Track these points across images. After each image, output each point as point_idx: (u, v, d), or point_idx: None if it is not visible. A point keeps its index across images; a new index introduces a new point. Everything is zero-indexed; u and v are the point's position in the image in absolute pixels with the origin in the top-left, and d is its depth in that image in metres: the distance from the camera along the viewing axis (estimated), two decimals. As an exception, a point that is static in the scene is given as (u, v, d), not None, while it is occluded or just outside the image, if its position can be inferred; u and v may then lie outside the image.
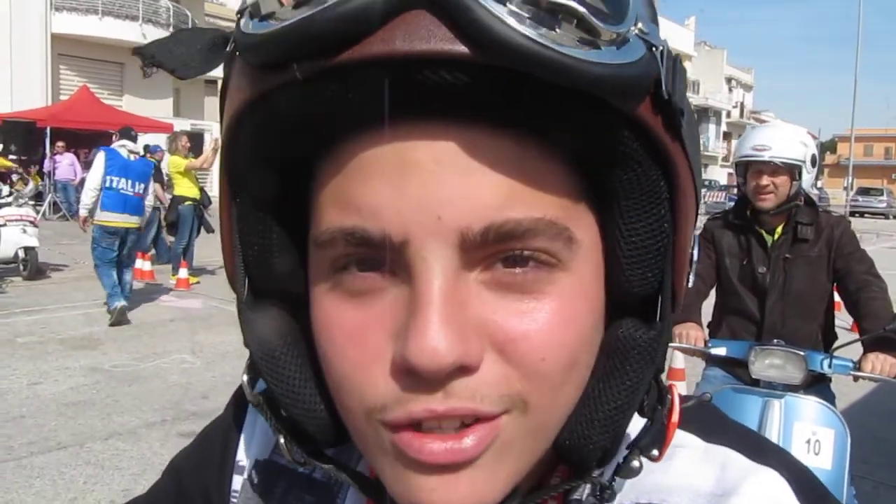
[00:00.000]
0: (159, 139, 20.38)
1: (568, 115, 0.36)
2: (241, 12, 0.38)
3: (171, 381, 5.79)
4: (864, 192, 41.16)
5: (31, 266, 9.79)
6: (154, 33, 23.49)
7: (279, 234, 0.44)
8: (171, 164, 9.75)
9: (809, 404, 2.49)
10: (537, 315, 0.38)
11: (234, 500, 0.59)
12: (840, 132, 77.53)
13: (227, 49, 0.41)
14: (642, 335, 0.42)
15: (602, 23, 0.33)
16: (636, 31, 0.35)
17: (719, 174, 52.61)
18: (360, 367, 0.39)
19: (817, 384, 2.70)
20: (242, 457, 0.60)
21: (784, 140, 2.70)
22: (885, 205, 39.01)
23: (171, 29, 24.15)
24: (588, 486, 0.44)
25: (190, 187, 9.77)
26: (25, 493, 3.79)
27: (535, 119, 0.36)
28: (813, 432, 2.43)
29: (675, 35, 49.08)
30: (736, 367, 2.75)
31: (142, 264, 10.51)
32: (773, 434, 2.42)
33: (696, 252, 0.46)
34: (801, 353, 2.48)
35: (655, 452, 0.45)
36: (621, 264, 0.42)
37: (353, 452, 0.51)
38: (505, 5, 0.32)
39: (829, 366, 2.51)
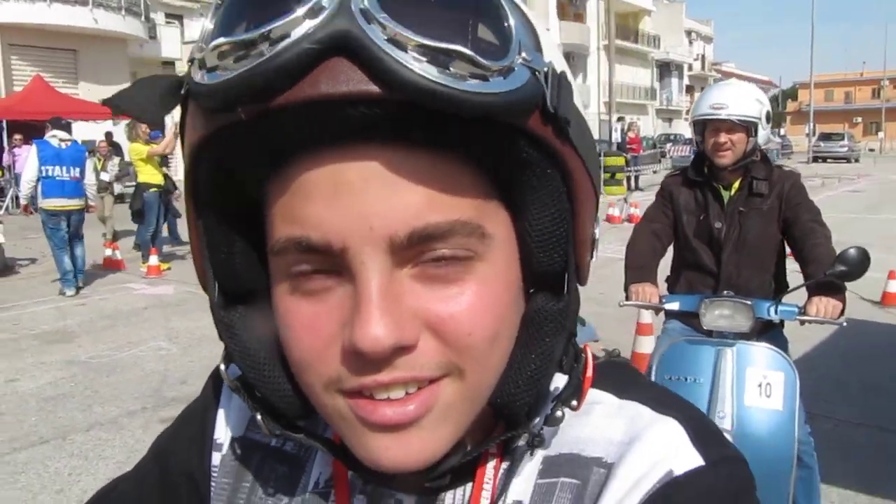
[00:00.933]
0: (118, 126, 20.21)
1: (470, 134, 0.44)
2: (191, 61, 0.45)
3: (149, 369, 5.84)
4: (826, 137, 41.72)
5: (-2, 262, 9.71)
6: (105, 18, 23.06)
7: (241, 245, 0.52)
8: (133, 151, 9.64)
9: (760, 350, 2.61)
10: (461, 299, 0.46)
11: (214, 475, 0.66)
12: (801, 79, 78.25)
13: (182, 92, 0.48)
14: (553, 306, 0.51)
15: (488, 59, 0.41)
16: (520, 60, 0.42)
17: (683, 128, 52.86)
18: (316, 351, 0.47)
19: (770, 331, 2.82)
20: (220, 435, 0.67)
21: (740, 98, 2.79)
22: (846, 149, 39.56)
23: (122, 13, 23.70)
24: (524, 435, 0.53)
25: (153, 174, 9.69)
26: (11, 489, 3.85)
27: (443, 139, 0.44)
28: (764, 376, 2.56)
29: (634, -9, 49.02)
30: (693, 319, 2.86)
31: (112, 253, 10.50)
32: (726, 380, 2.54)
33: (597, 232, 0.54)
34: (748, 303, 2.60)
35: (574, 403, 0.53)
36: (532, 249, 0.50)
37: (318, 424, 0.59)
38: (406, 51, 0.39)
39: (776, 312, 2.63)
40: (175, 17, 35.98)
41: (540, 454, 0.56)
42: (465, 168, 0.45)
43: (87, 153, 9.14)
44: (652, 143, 32.84)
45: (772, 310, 2.63)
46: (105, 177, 12.39)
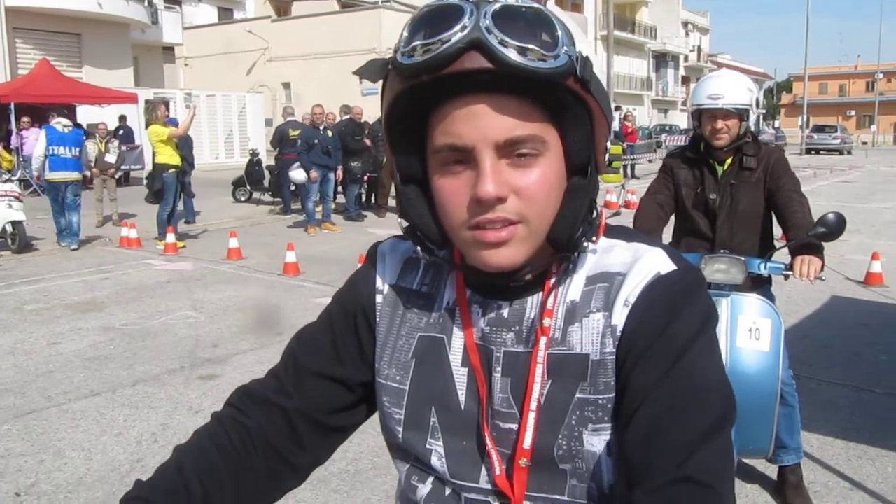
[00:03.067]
0: (124, 108, 20.49)
1: (537, 88, 0.85)
2: (395, 51, 0.86)
3: (181, 335, 6.25)
4: (819, 129, 42.10)
5: (20, 239, 10.06)
6: (109, 2, 23.25)
7: (412, 151, 0.93)
8: (153, 132, 9.98)
9: (751, 300, 3.01)
10: (531, 177, 0.85)
11: (378, 307, 1.07)
12: (795, 71, 78.39)
13: (389, 67, 0.88)
14: (581, 182, 0.91)
15: (547, 51, 0.79)
16: (564, 50, 0.80)
17: (679, 118, 53.16)
18: (457, 203, 0.88)
19: (760, 287, 3.23)
20: (380, 284, 1.08)
21: (734, 88, 3.19)
22: (839, 141, 39.99)
23: (127, -4, 23.86)
24: (571, 256, 0.94)
25: (172, 155, 10.05)
26: (74, 432, 4.26)
27: (524, 90, 0.85)
28: (753, 321, 2.96)
29: (631, -19, 49.16)
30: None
31: (127, 232, 10.85)
32: (722, 325, 2.94)
33: (608, 144, 0.94)
34: (742, 259, 3.00)
35: (594, 239, 0.94)
36: (570, 150, 0.91)
37: (449, 255, 1.00)
38: (507, 48, 0.77)
39: (765, 267, 3.04)
40: (175, 2, 36.10)
41: (584, 275, 0.96)
42: (534, 106, 0.85)
43: (84, 136, 11.39)
44: (648, 133, 33.21)
45: (762, 266, 3.03)
46: (110, 158, 12.74)
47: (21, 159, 17.21)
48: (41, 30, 22.65)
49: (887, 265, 8.18)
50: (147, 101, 13.74)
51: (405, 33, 0.84)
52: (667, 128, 39.42)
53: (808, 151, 39.21)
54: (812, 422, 4.08)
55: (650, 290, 0.90)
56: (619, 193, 15.13)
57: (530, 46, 0.79)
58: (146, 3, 25.49)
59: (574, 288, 0.95)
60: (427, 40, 0.80)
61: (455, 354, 0.99)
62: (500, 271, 0.89)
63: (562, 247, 0.92)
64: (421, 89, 0.83)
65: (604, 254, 0.97)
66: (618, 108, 25.05)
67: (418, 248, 0.97)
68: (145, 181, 11.80)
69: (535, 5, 0.83)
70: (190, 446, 1.02)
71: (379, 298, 1.07)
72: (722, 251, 3.13)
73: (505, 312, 0.96)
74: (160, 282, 8.39)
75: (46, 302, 7.47)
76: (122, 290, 7.93)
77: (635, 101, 49.83)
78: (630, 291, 0.91)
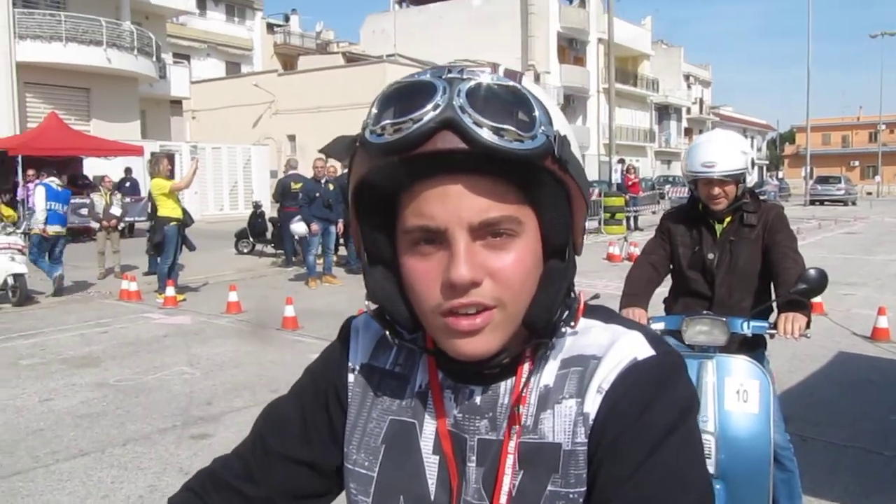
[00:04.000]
0: (131, 161, 20.68)
1: (513, 168, 0.81)
2: (364, 129, 0.82)
3: (175, 391, 6.16)
4: (823, 180, 42.25)
5: (20, 292, 10.05)
6: (118, 57, 23.68)
7: (380, 230, 0.89)
8: (155, 186, 10.04)
9: (737, 362, 2.92)
10: (507, 259, 0.82)
11: (350, 386, 1.02)
12: (798, 122, 79.15)
13: (356, 144, 0.85)
14: (559, 265, 0.88)
15: (524, 132, 0.78)
16: (541, 130, 0.78)
17: (680, 170, 53.41)
18: (428, 287, 0.84)
19: (754, 350, 3.15)
20: (353, 362, 1.04)
21: (727, 155, 3.15)
22: (842, 192, 40.05)
23: (135, 53, 24.34)
24: (547, 344, 0.90)
25: (174, 208, 10.09)
26: (59, 494, 4.15)
27: (499, 171, 0.81)
28: (741, 383, 2.87)
29: (633, 36, 49.91)
30: (679, 337, 3.20)
31: (128, 285, 10.83)
32: (708, 388, 2.85)
33: (585, 224, 0.92)
34: (723, 320, 2.93)
35: (573, 324, 0.90)
36: (547, 231, 0.87)
37: (419, 340, 0.95)
38: (482, 128, 0.76)
39: (748, 327, 2.96)
40: (183, 56, 36.81)
41: (559, 359, 0.92)
42: (510, 186, 0.82)
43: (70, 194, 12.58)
44: (651, 185, 33.36)
45: (745, 325, 2.96)
46: (115, 210, 12.82)
47: (27, 211, 17.31)
48: (51, 84, 23.03)
49: (894, 320, 8.07)
50: (152, 154, 13.86)
51: (374, 110, 0.81)
52: (670, 179, 39.58)
53: (812, 202, 39.31)
54: (817, 486, 3.96)
55: (625, 377, 0.86)
56: (621, 246, 15.10)
57: (506, 127, 0.76)
58: (154, 59, 25.92)
59: (548, 371, 0.91)
60: (397, 119, 0.77)
61: (426, 441, 0.94)
62: (473, 360, 0.85)
63: (538, 332, 0.88)
64: (391, 168, 0.80)
65: (580, 335, 0.92)
66: (621, 161, 25.21)
67: (387, 332, 0.93)
68: (147, 233, 11.83)
69: (511, 83, 0.80)
70: None
71: (351, 378, 1.02)
72: (705, 311, 3.06)
73: (478, 399, 0.92)
74: (157, 336, 8.32)
75: (42, 356, 7.40)
76: (118, 345, 7.87)
77: (638, 153, 50.22)
78: (604, 377, 0.87)
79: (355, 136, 0.85)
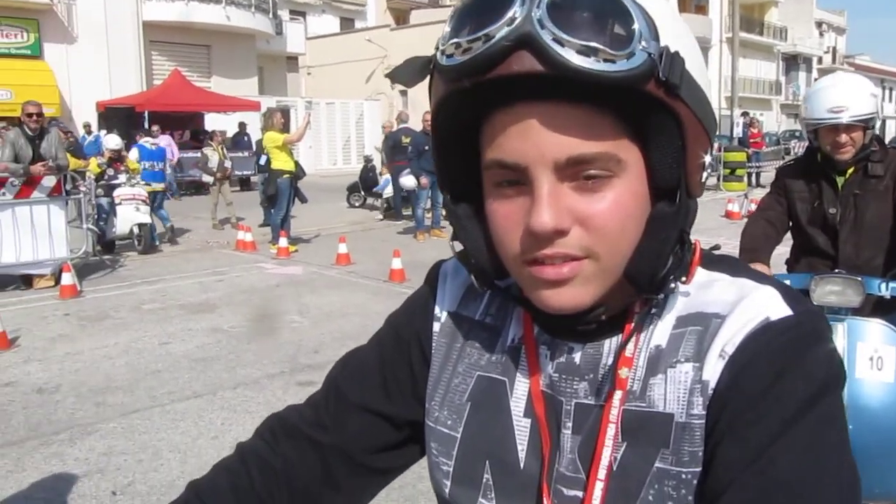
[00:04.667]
0: (248, 116, 21.30)
1: (608, 94, 0.67)
2: (437, 49, 0.71)
3: (284, 339, 6.31)
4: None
5: (144, 241, 10.55)
6: (237, 15, 24.29)
7: (462, 164, 0.78)
8: (268, 139, 10.25)
9: (871, 325, 2.65)
10: (600, 203, 0.69)
11: (435, 337, 0.92)
12: (943, 72, 72.98)
13: (430, 68, 0.73)
14: (668, 209, 0.73)
15: (616, 50, 0.63)
16: (640, 47, 0.63)
17: (810, 124, 50.48)
18: (510, 233, 0.72)
19: (889, 314, 2.86)
20: (438, 311, 0.93)
21: (857, 98, 2.82)
22: None
23: (253, 10, 24.90)
24: (654, 298, 0.76)
25: (286, 161, 10.28)
26: (173, 433, 4.33)
27: (590, 98, 0.67)
28: (875, 350, 2.60)
29: (760, -19, 47.18)
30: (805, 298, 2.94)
31: (243, 235, 11.19)
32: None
33: (707, 159, 0.75)
34: (859, 279, 2.65)
35: (684, 278, 0.75)
36: (655, 170, 0.72)
37: (511, 287, 0.83)
38: (563, 46, 0.62)
39: (887, 288, 2.67)
40: (299, 13, 37.37)
41: (674, 315, 0.77)
42: (605, 116, 0.68)
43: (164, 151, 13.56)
44: (776, 140, 31.63)
45: (883, 286, 2.67)
46: (227, 164, 13.27)
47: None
48: (174, 42, 23.90)
49: None
50: (267, 109, 14.19)
51: (447, 27, 0.69)
52: (796, 133, 37.39)
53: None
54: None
55: (754, 340, 0.71)
56: (741, 203, 14.38)
57: (594, 45, 0.62)
58: (271, 15, 26.45)
59: (660, 330, 0.77)
60: (469, 37, 0.65)
61: (517, 402, 0.83)
62: (562, 313, 0.73)
63: (643, 287, 0.74)
64: (467, 94, 0.68)
65: (701, 289, 0.77)
66: (744, 114, 23.96)
67: (473, 277, 0.81)
68: (261, 186, 12.16)
69: None
70: (205, 486, 0.90)
71: (436, 327, 0.92)
72: (837, 270, 2.79)
73: (577, 357, 0.80)
74: (270, 285, 8.56)
75: (163, 302, 7.75)
76: (233, 293, 8.14)
77: (763, 106, 47.72)
78: (728, 339, 0.72)
79: (429, 58, 0.73)
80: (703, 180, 0.75)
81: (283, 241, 10.38)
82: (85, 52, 21.02)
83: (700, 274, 0.78)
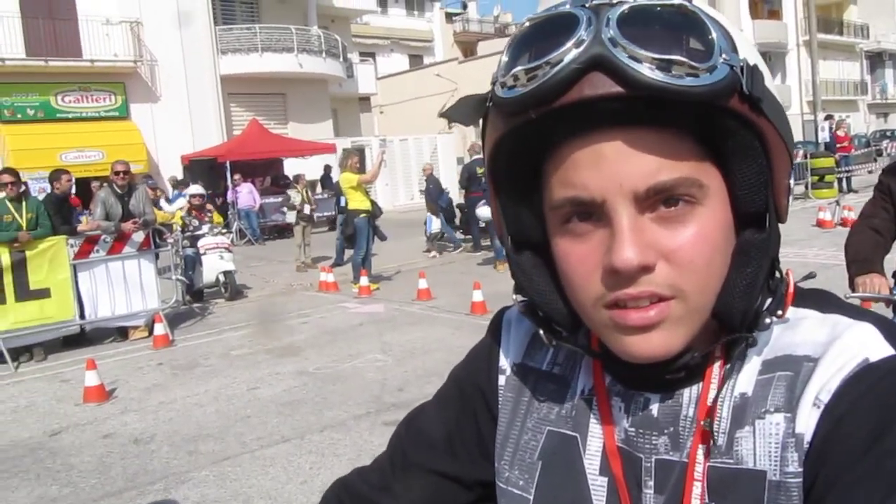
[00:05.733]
0: (325, 158, 21.78)
1: (688, 114, 0.61)
2: (493, 83, 0.65)
3: (369, 378, 6.31)
4: None
5: (231, 288, 10.82)
6: (309, 61, 24.97)
7: (524, 207, 0.72)
8: (344, 180, 10.41)
9: None
10: (686, 235, 0.63)
11: (501, 391, 0.85)
12: None
13: (487, 104, 0.68)
14: (757, 237, 0.66)
15: (698, 63, 0.57)
16: (721, 60, 0.58)
17: (901, 122, 48.38)
18: (586, 276, 0.65)
19: None
20: (503, 362, 0.86)
21: None
22: None
23: (324, 55, 25.57)
24: (743, 338, 0.67)
25: (363, 200, 10.41)
26: (263, 479, 4.35)
27: (667, 119, 0.61)
28: None
29: (835, -20, 45.72)
30: (926, 316, 2.72)
31: (325, 276, 11.35)
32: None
33: (791, 182, 0.68)
34: None
35: (780, 312, 0.67)
36: (738, 196, 0.65)
37: (580, 340, 0.76)
38: (641, 63, 0.57)
39: None
40: (368, 54, 38.27)
41: (759, 359, 0.69)
42: (684, 139, 0.62)
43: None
44: (866, 142, 30.34)
45: None
46: (307, 208, 13.55)
47: (235, 212, 18.76)
48: (250, 93, 24.72)
49: None
50: (344, 150, 14.47)
51: (504, 57, 0.64)
52: (888, 133, 35.83)
53: None
54: None
55: (854, 385, 0.62)
56: (833, 211, 13.77)
57: (675, 58, 0.56)
58: (342, 59, 27.10)
59: (745, 376, 0.69)
60: (531, 63, 0.60)
61: (591, 459, 0.76)
62: (650, 362, 0.66)
63: (735, 326, 0.66)
64: (530, 128, 0.63)
65: (788, 329, 0.69)
66: (829, 117, 23.07)
67: (540, 330, 0.75)
68: (339, 227, 12.34)
69: (677, 1, 0.59)
70: None
71: (501, 381, 0.86)
72: None
73: (654, 409, 0.72)
74: (353, 325, 8.62)
75: (251, 347, 7.90)
76: (318, 334, 8.22)
77: (848, 108, 45.92)
78: (823, 385, 0.64)
79: (485, 94, 0.68)
80: (788, 203, 0.68)
81: (364, 280, 10.47)
82: (169, 109, 21.98)
83: (787, 310, 0.70)
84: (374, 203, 10.84)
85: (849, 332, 0.66)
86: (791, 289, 0.69)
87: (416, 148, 27.27)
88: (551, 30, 0.61)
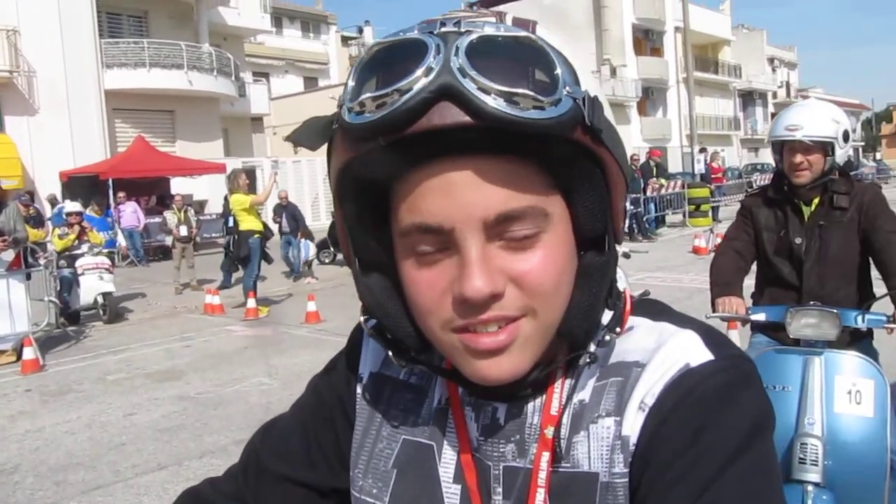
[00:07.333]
0: (215, 178, 21.25)
1: (534, 146, 0.64)
2: (340, 107, 0.66)
3: (253, 403, 6.17)
4: (925, 159, 39.99)
5: (110, 310, 10.36)
6: (199, 79, 24.39)
7: (373, 230, 0.72)
8: (235, 202, 10.15)
9: (848, 358, 2.62)
10: (533, 260, 0.66)
11: (358, 399, 0.87)
12: (895, 100, 75.16)
13: (333, 127, 0.68)
14: (598, 260, 0.70)
15: (544, 96, 0.60)
16: (566, 93, 0.61)
17: (770, 157, 51.44)
18: (435, 301, 0.67)
19: (859, 341, 2.85)
20: (362, 370, 0.88)
21: (815, 119, 2.85)
22: (948, 170, 37.82)
23: (215, 73, 25.03)
24: (584, 354, 0.72)
25: (255, 222, 10.20)
26: (137, 509, 4.17)
27: (515, 150, 0.64)
28: (853, 383, 2.57)
29: (712, 22, 48.47)
30: (778, 332, 2.91)
31: (211, 299, 11.04)
32: (815, 387, 2.57)
33: (627, 205, 0.73)
34: (835, 311, 2.62)
35: (618, 329, 0.73)
36: (580, 220, 0.69)
37: (433, 358, 0.78)
38: (489, 94, 0.59)
39: (863, 320, 2.65)
40: (262, 74, 37.72)
41: (596, 366, 0.74)
42: (531, 168, 0.65)
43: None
44: (738, 174, 32.18)
45: (859, 318, 2.64)
46: (184, 231, 13.17)
47: (118, 231, 18.00)
48: (137, 109, 23.87)
49: None
50: (232, 171, 14.17)
51: (350, 82, 0.64)
52: (758, 167, 38.11)
53: (913, 183, 37.18)
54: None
55: (674, 390, 0.68)
56: (708, 238, 14.52)
57: (521, 91, 0.58)
58: (234, 78, 26.60)
59: (584, 384, 0.74)
60: (380, 91, 0.60)
61: (446, 468, 0.79)
62: (499, 383, 0.69)
63: (578, 343, 0.71)
64: (378, 154, 0.63)
65: (623, 337, 0.74)
66: (703, 150, 24.37)
67: (390, 353, 0.76)
68: (224, 249, 12.06)
69: (523, 33, 0.62)
70: None
71: (359, 388, 0.87)
72: (812, 302, 2.77)
73: (502, 419, 0.76)
74: (239, 348, 8.42)
75: (128, 372, 7.58)
76: (200, 358, 7.98)
77: (723, 142, 48.61)
78: (648, 390, 0.69)
79: (332, 116, 0.68)
80: (625, 226, 0.73)
81: (251, 303, 10.25)
82: (47, 122, 20.89)
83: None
84: (265, 225, 10.66)
85: (673, 339, 0.71)
86: (628, 306, 0.74)
87: (309, 170, 26.99)
88: (400, 56, 0.61)
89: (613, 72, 40.64)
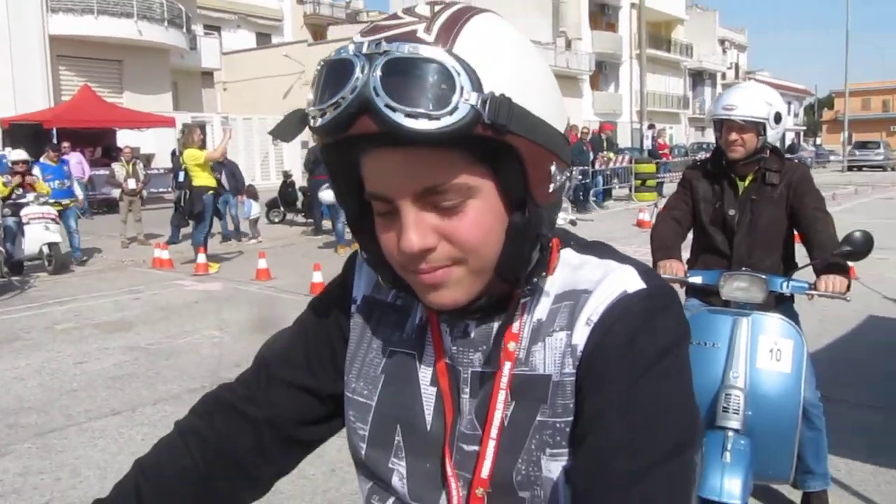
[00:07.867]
0: (161, 132, 20.89)
1: (449, 140, 0.78)
2: (308, 105, 0.83)
3: (205, 354, 6.28)
4: (862, 145, 41.31)
5: (55, 261, 10.25)
6: (149, 29, 23.81)
7: (356, 191, 0.90)
8: (189, 156, 10.10)
9: (772, 320, 2.91)
10: (462, 221, 0.82)
11: (352, 318, 1.05)
12: (837, 87, 77.10)
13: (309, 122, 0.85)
14: (521, 219, 0.87)
15: (438, 110, 0.73)
16: (462, 101, 0.73)
17: (717, 136, 52.49)
18: (393, 250, 0.85)
19: (782, 305, 3.13)
20: (356, 294, 1.06)
21: (749, 100, 3.12)
22: (881, 157, 39.13)
23: (165, 24, 24.46)
24: (525, 289, 0.91)
25: (208, 178, 10.18)
26: (92, 450, 4.28)
27: (432, 144, 0.79)
28: (775, 342, 2.86)
29: (666, 0, 49.02)
30: (710, 297, 3.18)
31: (160, 253, 11.00)
32: (741, 345, 2.84)
33: (553, 169, 0.87)
34: (763, 277, 2.90)
35: (544, 273, 0.91)
36: (504, 189, 0.86)
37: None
38: (395, 111, 0.73)
39: (788, 286, 2.93)
40: (214, 28, 36.88)
41: (553, 294, 0.93)
42: (454, 152, 0.81)
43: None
44: (685, 152, 32.88)
45: (784, 284, 2.92)
46: (132, 184, 12.99)
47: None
48: (83, 57, 23.23)
49: (928, 283, 7.92)
50: (184, 126, 13.99)
51: (310, 94, 0.82)
52: (704, 146, 38.94)
53: (850, 168, 38.48)
54: (840, 446, 3.92)
55: (613, 309, 0.86)
56: (652, 212, 14.94)
57: (417, 110, 0.73)
58: (185, 30, 26.02)
59: (541, 306, 0.92)
60: (322, 105, 0.77)
61: (424, 373, 0.96)
62: (444, 310, 0.88)
63: (512, 284, 0.89)
64: (335, 146, 0.82)
65: (575, 270, 0.93)
66: (651, 127, 24.86)
67: (380, 278, 0.95)
68: (174, 204, 11.97)
69: (428, 55, 0.76)
70: (150, 465, 1.01)
71: (353, 308, 1.05)
72: (743, 269, 3.03)
73: (472, 333, 0.94)
74: (189, 302, 8.47)
75: (77, 322, 7.58)
76: (150, 311, 8.01)
77: (672, 120, 49.48)
78: (594, 309, 0.87)
79: (304, 113, 0.84)
80: (552, 189, 0.87)
81: (201, 258, 10.26)
82: (-14, 66, 20.23)
83: (574, 257, 0.94)
84: (219, 181, 10.63)
85: (615, 273, 0.90)
86: (554, 254, 0.93)
87: (260, 128, 26.69)
88: (337, 74, 0.77)
89: (568, 44, 40.88)
